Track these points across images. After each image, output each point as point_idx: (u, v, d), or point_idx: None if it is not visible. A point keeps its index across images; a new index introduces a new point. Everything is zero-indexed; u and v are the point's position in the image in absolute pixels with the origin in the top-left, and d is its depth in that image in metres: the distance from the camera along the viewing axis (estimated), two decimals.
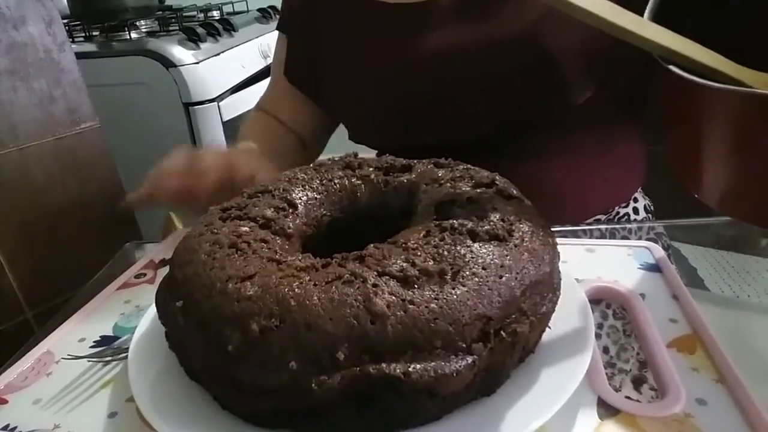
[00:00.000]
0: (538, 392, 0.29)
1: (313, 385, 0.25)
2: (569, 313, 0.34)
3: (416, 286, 0.27)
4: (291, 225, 0.37)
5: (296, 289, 0.27)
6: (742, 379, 0.32)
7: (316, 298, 0.27)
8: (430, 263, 0.28)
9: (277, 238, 0.35)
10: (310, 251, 0.34)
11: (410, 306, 0.26)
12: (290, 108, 0.75)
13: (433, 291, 0.27)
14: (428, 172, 0.40)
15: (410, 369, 0.25)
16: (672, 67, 0.30)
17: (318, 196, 0.40)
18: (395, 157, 0.43)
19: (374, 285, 0.27)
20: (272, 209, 0.37)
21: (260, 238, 0.33)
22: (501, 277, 0.29)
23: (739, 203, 0.32)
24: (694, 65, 0.31)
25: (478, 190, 0.36)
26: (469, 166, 0.40)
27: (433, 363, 0.26)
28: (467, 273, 0.28)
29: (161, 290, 0.34)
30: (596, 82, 0.56)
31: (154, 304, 0.35)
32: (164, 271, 0.39)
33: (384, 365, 0.26)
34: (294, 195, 0.39)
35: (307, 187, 0.41)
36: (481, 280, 0.28)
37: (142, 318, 0.39)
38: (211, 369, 0.29)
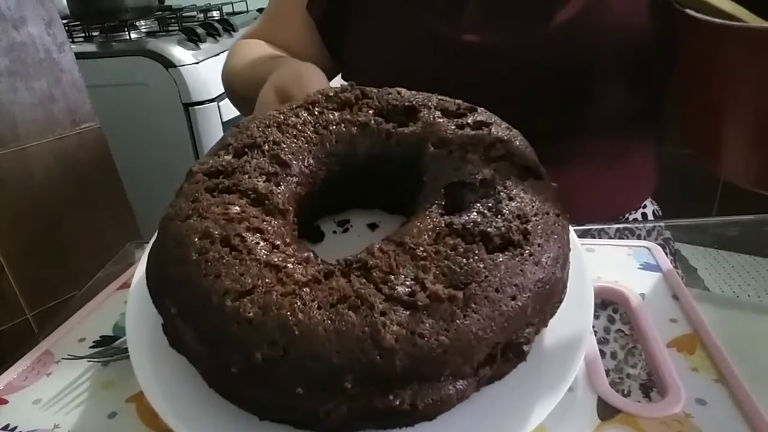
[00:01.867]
0: (536, 386, 0.29)
1: (320, 414, 0.25)
2: (569, 305, 0.33)
3: (426, 313, 0.26)
4: (285, 196, 0.34)
5: (299, 314, 0.26)
6: (742, 379, 0.32)
7: (321, 328, 0.25)
8: (440, 286, 0.27)
9: (273, 220, 0.32)
10: (306, 209, 0.31)
11: (419, 340, 0.25)
12: (300, 42, 0.70)
13: (443, 321, 0.26)
14: (435, 126, 0.36)
15: (417, 400, 0.25)
16: (689, 11, 0.30)
17: (313, 148, 0.37)
18: (397, 93, 0.39)
19: (382, 313, 0.26)
20: (264, 178, 0.34)
21: (255, 227, 0.31)
22: (513, 298, 0.27)
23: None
24: (711, 11, 0.30)
25: (492, 167, 0.33)
26: (480, 118, 0.36)
27: (439, 390, 0.26)
28: (479, 297, 0.27)
29: (153, 282, 0.32)
30: (626, 89, 0.56)
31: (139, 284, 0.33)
32: None
33: (391, 397, 0.25)
34: (286, 150, 0.36)
35: (300, 137, 0.37)
36: (494, 305, 0.27)
37: (129, 294, 0.37)
38: (214, 380, 0.29)
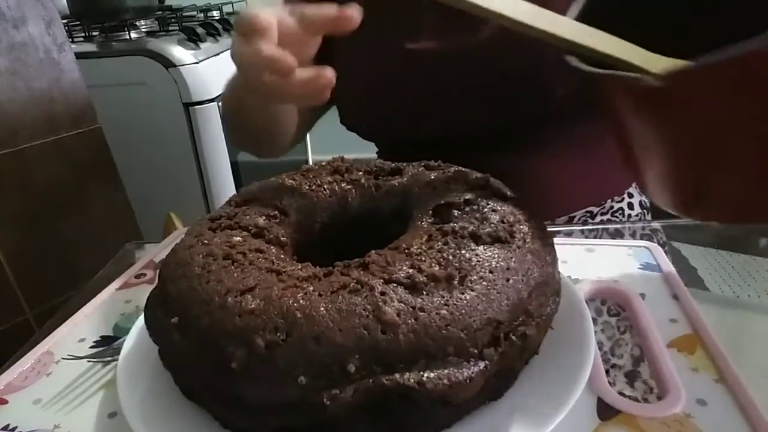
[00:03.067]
0: (544, 398, 0.29)
1: (324, 399, 0.25)
2: (567, 313, 0.34)
3: (425, 292, 0.27)
4: (284, 233, 0.36)
5: (301, 300, 0.26)
6: (742, 379, 0.32)
7: (323, 308, 0.26)
8: (436, 268, 0.28)
9: (272, 247, 0.34)
10: (302, 259, 0.33)
11: (421, 313, 0.26)
12: None
13: (443, 297, 0.27)
14: (420, 176, 0.39)
15: (424, 378, 0.25)
16: (568, 57, 0.30)
17: (308, 203, 0.40)
18: (383, 161, 0.43)
19: (382, 293, 0.26)
20: (263, 217, 0.36)
21: (255, 248, 0.32)
22: (508, 279, 0.28)
23: (673, 198, 0.32)
24: (604, 57, 0.30)
25: (474, 192, 0.35)
26: (460, 168, 0.40)
27: (446, 371, 0.25)
28: (475, 277, 0.28)
29: (151, 306, 0.33)
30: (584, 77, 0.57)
31: (142, 318, 0.34)
32: None
33: (397, 375, 0.25)
34: (284, 202, 0.39)
35: (296, 193, 0.40)
36: (489, 283, 0.28)
37: (127, 337, 0.37)
38: (213, 388, 0.28)
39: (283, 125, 0.63)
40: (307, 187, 0.40)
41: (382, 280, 0.27)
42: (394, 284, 0.27)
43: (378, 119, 0.66)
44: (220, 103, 0.72)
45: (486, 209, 0.33)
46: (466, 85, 0.58)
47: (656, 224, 0.57)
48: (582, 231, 0.55)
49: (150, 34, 1.34)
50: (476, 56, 0.57)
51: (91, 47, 1.27)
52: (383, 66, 0.62)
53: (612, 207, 0.66)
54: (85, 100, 0.93)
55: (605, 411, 0.31)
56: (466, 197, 0.35)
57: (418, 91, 0.61)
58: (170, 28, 1.38)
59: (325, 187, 0.41)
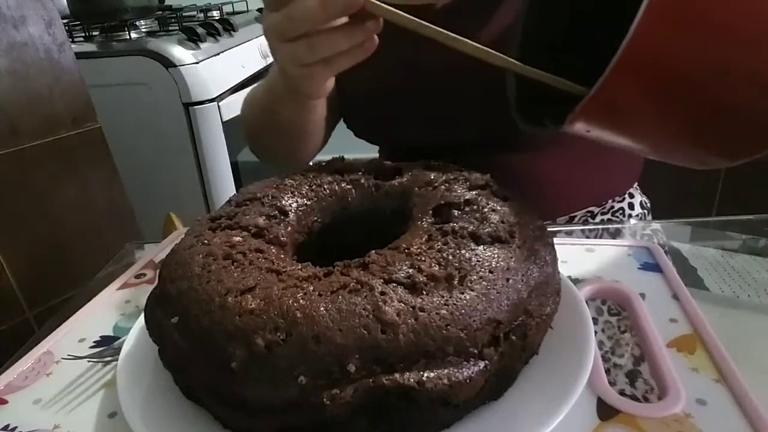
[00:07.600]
0: (544, 398, 0.29)
1: (324, 399, 0.25)
2: (567, 313, 0.34)
3: (425, 292, 0.27)
4: (284, 233, 0.36)
5: (301, 300, 0.26)
6: (742, 379, 0.32)
7: (323, 308, 0.26)
8: (436, 268, 0.28)
9: (272, 247, 0.34)
10: (302, 258, 0.33)
11: (421, 313, 0.26)
12: None
13: (443, 297, 0.27)
14: (420, 176, 0.39)
15: (424, 378, 0.25)
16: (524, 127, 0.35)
17: (308, 202, 0.40)
18: (384, 161, 0.43)
19: (382, 293, 0.26)
20: (263, 217, 0.36)
21: (255, 248, 0.32)
22: (508, 279, 0.28)
23: None
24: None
25: (474, 192, 0.35)
26: (460, 168, 0.40)
27: (446, 370, 0.26)
28: (474, 277, 0.28)
29: (151, 306, 0.33)
30: None
31: (142, 318, 0.34)
32: None
33: (397, 375, 0.25)
34: (284, 202, 0.39)
35: (296, 193, 0.40)
36: (489, 283, 0.28)
37: (127, 337, 0.37)
38: (213, 388, 0.28)
39: (315, 132, 0.63)
40: (307, 187, 0.40)
41: (382, 280, 0.27)
42: (394, 284, 0.27)
43: (377, 124, 0.66)
44: (240, 117, 0.69)
45: (486, 209, 0.33)
46: (466, 93, 0.58)
47: (656, 224, 0.57)
48: (582, 231, 0.56)
49: (150, 34, 1.34)
50: (477, 66, 0.57)
51: (91, 47, 1.27)
52: (385, 74, 0.62)
53: (612, 207, 0.66)
54: (85, 100, 0.93)
55: (605, 411, 0.31)
56: (466, 197, 0.35)
57: (418, 98, 0.61)
58: (170, 28, 1.38)
59: (325, 187, 0.41)
